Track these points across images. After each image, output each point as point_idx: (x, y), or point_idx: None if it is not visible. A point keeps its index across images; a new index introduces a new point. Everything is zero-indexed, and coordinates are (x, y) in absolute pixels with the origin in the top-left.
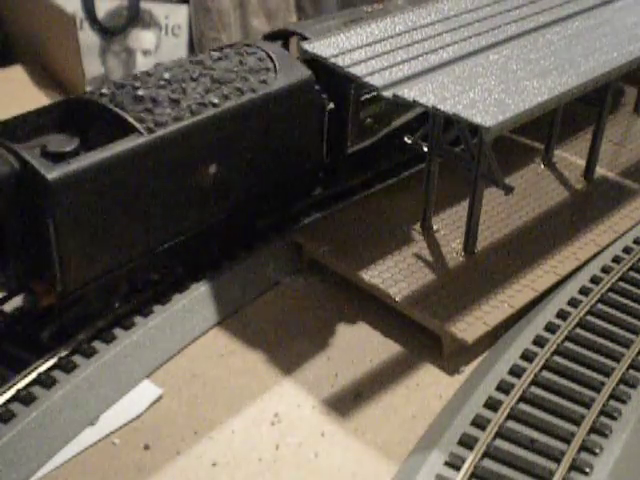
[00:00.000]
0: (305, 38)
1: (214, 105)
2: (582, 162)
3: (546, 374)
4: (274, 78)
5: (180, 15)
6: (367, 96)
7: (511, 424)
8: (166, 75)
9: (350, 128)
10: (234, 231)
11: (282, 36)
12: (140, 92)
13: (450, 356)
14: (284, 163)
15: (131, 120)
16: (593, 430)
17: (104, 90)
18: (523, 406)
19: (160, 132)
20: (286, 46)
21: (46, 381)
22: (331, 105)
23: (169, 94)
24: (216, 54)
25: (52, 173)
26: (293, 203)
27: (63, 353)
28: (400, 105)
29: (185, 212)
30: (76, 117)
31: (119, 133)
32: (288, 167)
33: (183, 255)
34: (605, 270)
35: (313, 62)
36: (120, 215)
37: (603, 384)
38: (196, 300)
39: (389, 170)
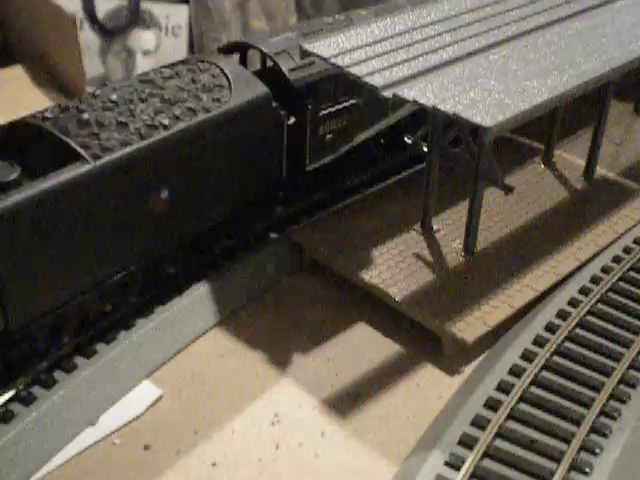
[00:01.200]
0: (261, 51)
1: (164, 127)
2: (582, 162)
3: (546, 374)
4: (229, 96)
5: (180, 15)
6: (326, 111)
7: (511, 424)
8: (113, 96)
9: (308, 144)
10: (192, 256)
11: (238, 49)
12: (85, 115)
13: (450, 356)
14: (241, 184)
15: (75, 146)
16: (593, 430)
17: (47, 114)
18: (523, 406)
19: (106, 158)
20: (244, 59)
21: (46, 381)
22: (291, 120)
23: (116, 117)
24: (167, 71)
25: None
26: (253, 224)
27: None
28: (365, 119)
29: (137, 241)
30: (17, 142)
31: (63, 160)
32: (246, 188)
33: (137, 285)
34: (605, 270)
35: (270, 75)
36: (66, 248)
37: (603, 384)
38: (196, 300)
39: (388, 170)
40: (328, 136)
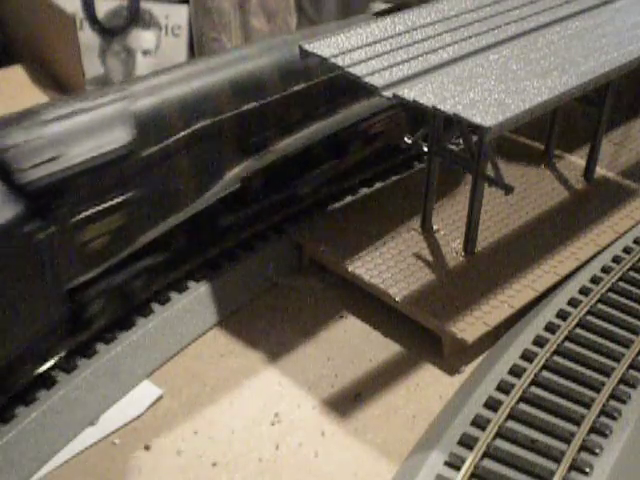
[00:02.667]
0: None
1: None
2: (582, 162)
3: (546, 374)
4: None
5: (180, 15)
6: (92, 210)
7: (511, 424)
8: None
9: (59, 259)
10: None
11: None
12: None
13: (450, 356)
14: (5, 335)
15: None
16: (593, 430)
17: None
18: (523, 406)
19: None
20: None
21: (46, 381)
22: (49, 230)
23: None
24: None
25: None
26: (35, 364)
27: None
28: (155, 212)
29: None
30: None
31: None
32: (12, 337)
33: None
34: (605, 270)
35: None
36: None
37: (603, 384)
38: (196, 300)
39: (388, 170)
40: (97, 241)
